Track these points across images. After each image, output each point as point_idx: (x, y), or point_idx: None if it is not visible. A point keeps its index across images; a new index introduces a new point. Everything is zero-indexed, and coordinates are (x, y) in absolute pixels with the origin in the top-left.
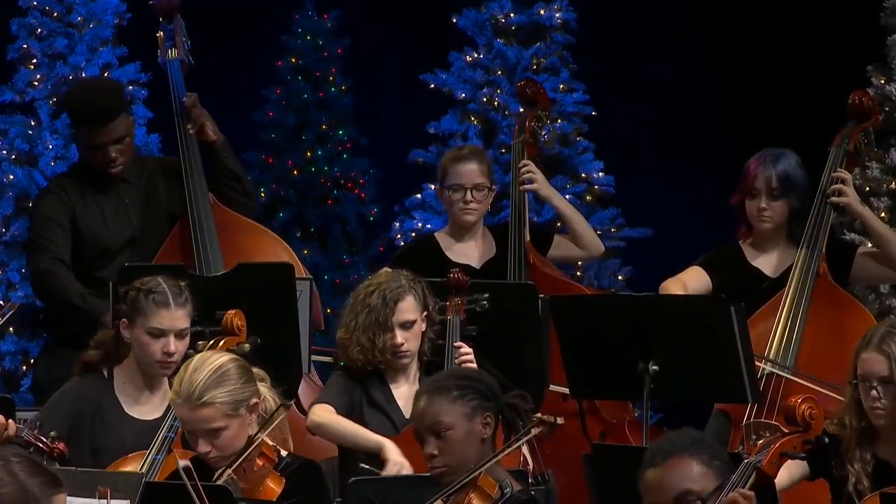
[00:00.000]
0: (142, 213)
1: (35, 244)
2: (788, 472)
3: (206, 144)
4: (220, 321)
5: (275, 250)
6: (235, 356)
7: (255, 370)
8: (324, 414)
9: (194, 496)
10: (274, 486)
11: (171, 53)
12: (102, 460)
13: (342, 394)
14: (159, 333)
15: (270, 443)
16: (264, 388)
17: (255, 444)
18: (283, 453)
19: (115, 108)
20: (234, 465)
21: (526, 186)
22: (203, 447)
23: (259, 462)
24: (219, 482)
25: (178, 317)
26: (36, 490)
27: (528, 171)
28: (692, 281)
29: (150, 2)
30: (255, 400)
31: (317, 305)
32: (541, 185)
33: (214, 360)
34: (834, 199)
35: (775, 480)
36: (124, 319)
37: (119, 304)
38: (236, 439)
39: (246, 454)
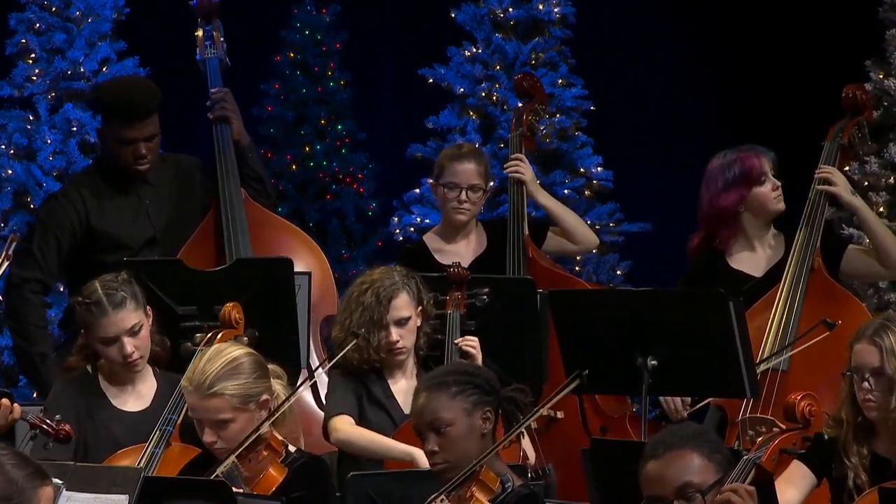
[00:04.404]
0: (166, 213)
1: (29, 253)
2: (798, 489)
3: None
4: (218, 315)
5: (303, 248)
6: (252, 351)
7: (271, 367)
8: (347, 429)
9: None
10: (275, 475)
11: (210, 52)
12: (95, 456)
13: (350, 396)
14: (110, 340)
15: (279, 437)
16: (279, 386)
17: (259, 433)
18: (292, 448)
19: (152, 105)
20: (238, 451)
21: (513, 175)
22: (209, 437)
23: (264, 453)
24: (221, 468)
25: (119, 319)
26: (22, 482)
27: (516, 165)
28: None
29: (192, 3)
30: (265, 396)
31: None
32: (528, 181)
33: (229, 352)
34: (819, 186)
35: (786, 501)
36: (83, 331)
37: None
38: (243, 433)
39: (249, 441)
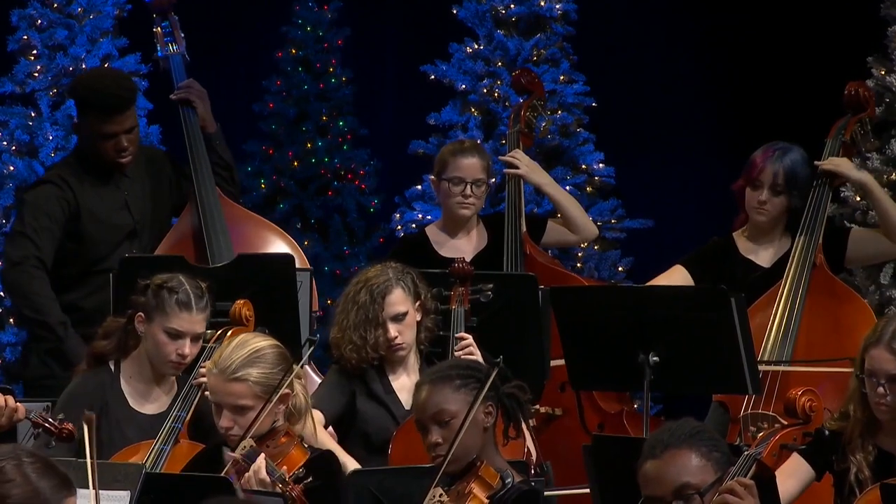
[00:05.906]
0: (143, 205)
1: (22, 234)
2: (797, 480)
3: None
4: (226, 311)
5: (277, 242)
6: (278, 344)
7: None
8: (310, 425)
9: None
10: (299, 454)
11: (172, 49)
12: (106, 455)
13: (336, 395)
14: (176, 335)
15: (295, 431)
16: (298, 386)
17: (274, 424)
18: (306, 444)
19: (130, 98)
20: (250, 432)
21: (508, 171)
22: (226, 422)
23: (283, 439)
24: (239, 450)
25: (197, 321)
26: (47, 492)
27: (511, 159)
28: (670, 280)
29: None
30: (286, 390)
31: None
32: (529, 170)
33: (256, 342)
34: (824, 167)
35: (784, 491)
36: (141, 313)
37: (137, 296)
38: (260, 423)
39: (263, 429)
